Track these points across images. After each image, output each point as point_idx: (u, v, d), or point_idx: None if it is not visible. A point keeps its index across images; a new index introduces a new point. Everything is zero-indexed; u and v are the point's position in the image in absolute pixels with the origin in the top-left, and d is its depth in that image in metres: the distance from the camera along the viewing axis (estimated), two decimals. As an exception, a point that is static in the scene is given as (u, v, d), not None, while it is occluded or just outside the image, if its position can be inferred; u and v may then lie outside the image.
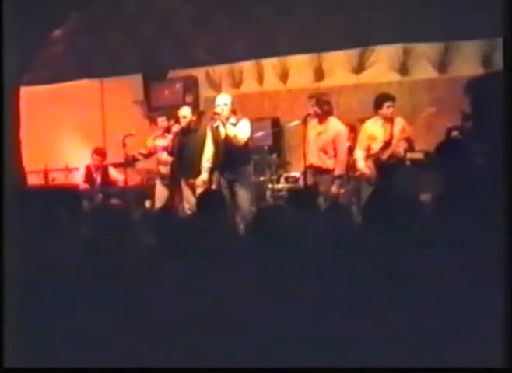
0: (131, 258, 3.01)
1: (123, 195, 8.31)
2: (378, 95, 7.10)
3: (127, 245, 3.25)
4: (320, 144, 7.14)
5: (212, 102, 7.62)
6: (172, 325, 2.44)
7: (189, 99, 10.16)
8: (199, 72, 10.38)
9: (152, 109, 10.34)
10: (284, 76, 9.85)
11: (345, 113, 8.34)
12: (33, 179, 9.01)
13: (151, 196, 8.07)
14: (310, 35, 9.11)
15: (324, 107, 7.15)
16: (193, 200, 6.59)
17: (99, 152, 8.84)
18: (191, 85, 10.37)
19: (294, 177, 8.47)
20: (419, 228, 2.77)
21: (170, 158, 7.56)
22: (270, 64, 9.87)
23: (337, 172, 7.03)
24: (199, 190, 6.70)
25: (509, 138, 2.57)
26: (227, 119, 6.83)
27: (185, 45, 9.97)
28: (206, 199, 4.92)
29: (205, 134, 7.16)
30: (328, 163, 7.11)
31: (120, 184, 8.51)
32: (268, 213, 3.37)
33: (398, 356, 2.17)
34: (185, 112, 7.52)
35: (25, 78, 8.22)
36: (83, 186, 8.61)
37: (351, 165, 7.57)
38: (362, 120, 8.10)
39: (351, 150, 7.50)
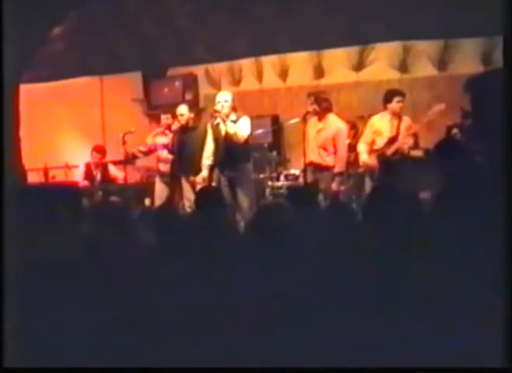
0: (131, 256, 3.00)
1: (123, 193, 8.31)
2: (388, 90, 7.16)
3: (127, 242, 3.25)
4: (319, 141, 7.15)
5: (211, 99, 7.62)
6: (172, 324, 2.44)
7: (189, 96, 10.14)
8: (199, 70, 10.36)
9: (152, 106, 10.33)
10: (284, 74, 9.84)
11: (345, 110, 8.34)
12: (33, 177, 9.01)
13: (151, 193, 8.06)
14: (310, 32, 9.11)
15: (322, 105, 7.16)
16: (193, 198, 6.58)
17: (99, 150, 8.85)
18: (191, 83, 10.36)
19: (294, 175, 8.47)
20: (418, 225, 2.77)
21: (170, 156, 7.56)
22: (269, 61, 9.86)
23: (337, 169, 7.04)
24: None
25: (509, 136, 2.56)
26: (227, 116, 6.83)
27: (185, 43, 9.96)
28: (205, 196, 4.92)
29: (205, 132, 7.16)
30: (328, 160, 7.11)
31: (120, 182, 8.51)
32: (268, 210, 3.37)
33: (398, 356, 2.17)
34: (182, 110, 7.51)
35: (24, 76, 8.21)
36: (83, 183, 8.61)
37: (351, 162, 7.58)
38: (362, 118, 8.12)
39: (351, 147, 7.52)
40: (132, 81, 10.73)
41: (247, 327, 2.38)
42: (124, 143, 7.70)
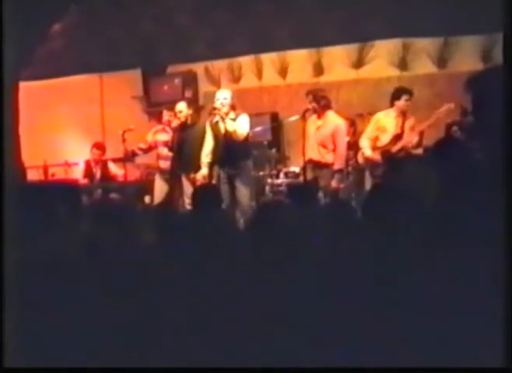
0: (131, 254, 3.00)
1: (122, 190, 8.32)
2: (397, 87, 7.22)
3: (127, 240, 3.25)
4: (319, 138, 7.15)
5: (211, 97, 7.62)
6: (172, 322, 2.44)
7: (188, 94, 10.14)
8: (198, 67, 10.36)
9: (152, 104, 10.33)
10: (283, 71, 9.83)
11: (345, 107, 8.34)
12: (33, 175, 9.01)
13: (150, 191, 8.06)
14: (310, 30, 9.11)
15: (321, 102, 7.16)
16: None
17: (99, 146, 8.85)
18: (190, 80, 10.35)
19: (294, 172, 8.48)
20: (418, 223, 2.77)
21: (170, 154, 7.55)
22: (269, 59, 9.85)
23: (336, 167, 7.04)
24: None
25: (509, 134, 2.56)
26: (227, 114, 6.84)
27: (184, 40, 9.96)
28: (202, 193, 4.92)
29: (204, 129, 7.16)
30: (328, 157, 7.12)
31: (120, 179, 8.51)
32: (267, 208, 3.38)
33: (398, 356, 2.17)
34: (181, 107, 7.50)
35: (24, 74, 8.21)
36: (83, 181, 8.62)
37: (351, 159, 7.59)
38: (362, 115, 8.13)
39: (350, 144, 7.52)
40: (132, 79, 10.73)
41: (246, 325, 2.38)
42: (123, 140, 7.69)
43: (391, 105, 7.04)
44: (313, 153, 7.15)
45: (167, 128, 7.69)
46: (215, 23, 9.60)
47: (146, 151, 8.01)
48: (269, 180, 8.44)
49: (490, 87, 2.82)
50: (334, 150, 7.11)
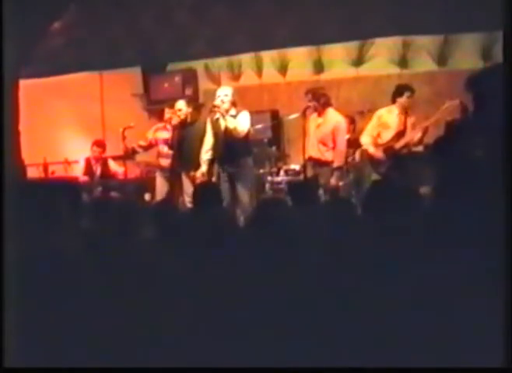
0: (131, 251, 3.01)
1: (123, 188, 8.31)
2: (399, 84, 7.22)
3: (127, 238, 3.25)
4: (319, 136, 7.15)
5: (211, 94, 7.61)
6: (172, 320, 2.44)
7: (188, 91, 10.13)
8: (198, 65, 10.35)
9: (152, 102, 10.32)
10: (283, 69, 9.82)
11: (345, 105, 8.33)
12: (33, 172, 9.01)
13: (151, 189, 8.06)
14: (310, 27, 9.09)
15: (321, 100, 7.16)
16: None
17: (99, 144, 8.85)
18: (190, 78, 10.34)
19: (294, 170, 8.47)
20: (418, 220, 2.77)
21: (170, 152, 7.54)
22: (269, 56, 9.83)
23: (336, 164, 7.04)
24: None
25: (509, 131, 2.56)
26: (227, 111, 6.83)
27: (184, 37, 9.94)
28: (203, 191, 4.92)
29: (204, 127, 7.16)
30: (327, 155, 7.12)
31: (120, 177, 8.51)
32: (268, 205, 3.38)
33: (398, 356, 2.17)
34: (180, 105, 7.49)
35: (24, 71, 8.21)
36: (83, 178, 8.61)
37: (351, 157, 7.59)
38: (362, 113, 8.12)
39: (350, 142, 7.52)
40: (132, 77, 10.71)
41: (247, 322, 2.38)
42: (123, 138, 7.68)
43: (393, 102, 7.05)
44: (314, 151, 7.15)
45: (168, 126, 7.68)
46: (215, 21, 9.58)
47: (146, 148, 8.00)
48: (269, 178, 8.44)
49: (490, 85, 2.82)
50: (334, 148, 7.11)
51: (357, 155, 7.68)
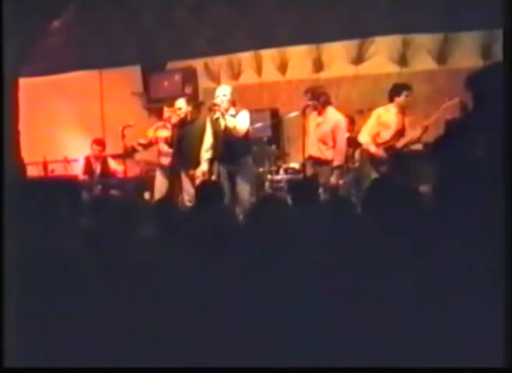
0: (130, 249, 3.00)
1: (122, 186, 8.31)
2: (397, 83, 7.23)
3: (127, 236, 3.25)
4: (319, 135, 7.15)
5: (210, 93, 7.61)
6: (173, 318, 2.44)
7: (188, 90, 10.13)
8: (198, 63, 10.35)
9: (151, 100, 10.32)
10: (283, 67, 9.82)
11: (344, 104, 8.34)
12: (32, 171, 9.00)
13: (150, 187, 8.06)
14: (310, 26, 9.08)
15: (320, 99, 7.16)
16: (192, 192, 6.59)
17: (99, 142, 8.85)
18: (190, 77, 10.34)
19: (293, 168, 8.47)
20: (418, 219, 2.77)
21: (170, 150, 7.54)
22: (269, 55, 9.84)
23: (336, 163, 7.04)
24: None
25: (509, 130, 2.56)
26: (227, 110, 6.84)
27: (184, 36, 9.93)
28: (204, 190, 4.92)
29: (204, 126, 7.16)
30: (327, 154, 7.12)
31: (120, 175, 8.51)
32: (267, 204, 3.37)
33: (398, 356, 2.17)
34: (180, 104, 7.49)
35: (24, 70, 8.19)
36: (82, 177, 8.62)
37: (351, 156, 7.59)
38: (362, 111, 8.11)
39: (350, 141, 7.52)
40: (131, 75, 10.71)
41: (246, 321, 2.38)
42: (123, 136, 7.68)
43: (391, 101, 7.04)
44: (313, 149, 7.16)
45: (168, 125, 7.68)
46: (215, 19, 9.57)
47: (146, 146, 7.99)
48: (269, 176, 8.44)
49: (490, 83, 2.82)
50: (333, 147, 7.11)
51: (357, 154, 7.68)
